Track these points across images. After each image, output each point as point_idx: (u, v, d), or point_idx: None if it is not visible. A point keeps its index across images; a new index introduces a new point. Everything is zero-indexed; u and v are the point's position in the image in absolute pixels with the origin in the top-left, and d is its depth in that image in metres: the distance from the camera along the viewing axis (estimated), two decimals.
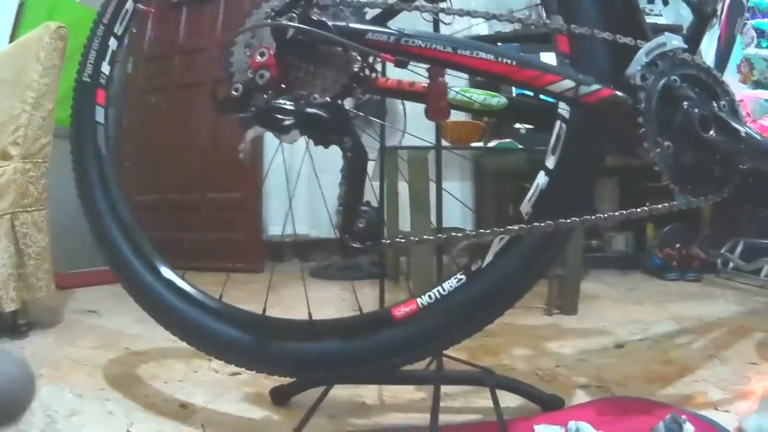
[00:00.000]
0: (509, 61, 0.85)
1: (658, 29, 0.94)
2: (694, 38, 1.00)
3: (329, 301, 2.33)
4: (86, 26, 1.23)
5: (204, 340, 1.05)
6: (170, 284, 1.09)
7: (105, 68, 1.20)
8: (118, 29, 1.22)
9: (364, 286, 2.52)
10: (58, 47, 1.83)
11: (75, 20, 2.08)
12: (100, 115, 1.18)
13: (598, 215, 0.87)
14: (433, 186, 1.24)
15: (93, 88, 1.18)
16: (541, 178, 0.93)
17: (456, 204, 2.08)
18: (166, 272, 1.10)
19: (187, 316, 1.05)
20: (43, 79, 1.80)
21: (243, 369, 1.07)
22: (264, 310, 1.03)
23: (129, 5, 1.22)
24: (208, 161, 3.32)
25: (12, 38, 2.75)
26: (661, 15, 3.25)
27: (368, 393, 1.22)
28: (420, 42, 0.83)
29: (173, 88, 3.53)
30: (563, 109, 0.95)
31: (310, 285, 2.74)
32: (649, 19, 2.43)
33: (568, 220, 0.84)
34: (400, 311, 0.92)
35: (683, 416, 0.89)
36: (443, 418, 0.96)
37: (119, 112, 3.60)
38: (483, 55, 0.84)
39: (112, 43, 1.21)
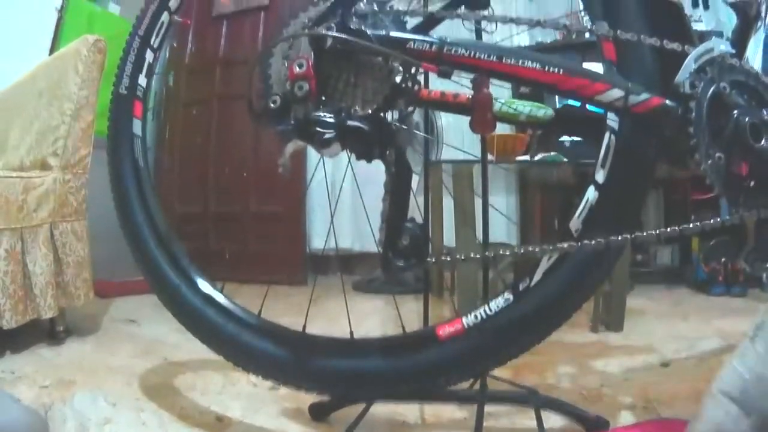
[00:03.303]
0: (557, 70, 0.82)
1: (700, 36, 0.89)
2: (740, 42, 0.95)
3: (372, 316, 2.29)
4: (125, 39, 1.23)
5: (242, 355, 1.03)
6: (207, 298, 1.07)
7: (142, 80, 1.19)
8: (155, 41, 1.21)
9: (408, 300, 2.47)
10: (97, 60, 1.86)
11: (114, 33, 2.10)
12: (137, 128, 1.17)
13: (650, 232, 0.82)
14: (477, 200, 1.20)
15: (130, 101, 1.17)
16: (591, 193, 0.88)
17: (501, 217, 2.04)
18: (204, 285, 1.08)
19: (225, 330, 1.03)
20: (82, 91, 1.83)
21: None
22: (304, 327, 1.00)
23: (164, 17, 1.21)
24: (250, 173, 3.33)
25: (52, 50, 2.79)
26: (701, 21, 3.16)
27: (409, 411, 1.19)
28: (463, 51, 0.81)
29: (215, 100, 3.54)
30: (612, 119, 0.91)
31: (353, 298, 2.71)
32: None
33: (620, 238, 0.80)
34: (445, 331, 0.89)
35: None
36: None
37: (161, 124, 3.64)
38: (529, 63, 0.81)
39: (149, 55, 1.20)
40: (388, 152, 0.79)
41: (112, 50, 1.84)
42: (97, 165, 1.82)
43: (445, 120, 1.45)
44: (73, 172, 1.81)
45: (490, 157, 1.51)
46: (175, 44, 3.63)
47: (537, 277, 0.87)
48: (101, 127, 1.43)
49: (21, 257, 1.66)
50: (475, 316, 0.88)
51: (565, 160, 2.18)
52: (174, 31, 1.25)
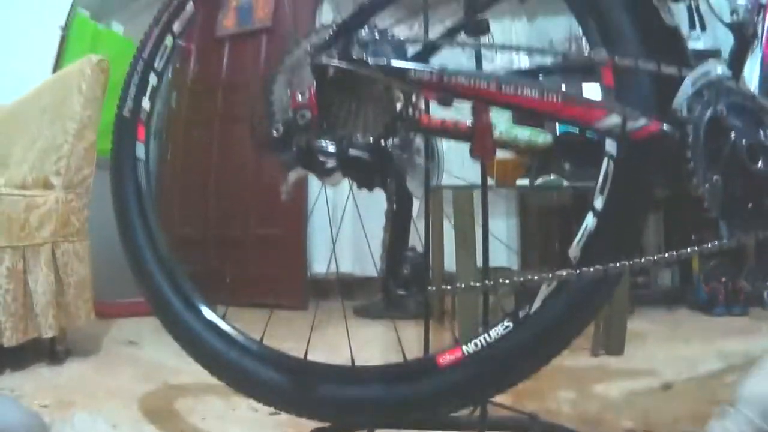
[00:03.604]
0: (555, 98, 0.82)
1: (697, 55, 0.90)
2: (736, 63, 0.96)
3: (372, 342, 2.28)
4: (129, 58, 1.22)
5: (243, 381, 1.02)
6: (210, 324, 1.06)
7: (145, 103, 1.19)
8: (158, 64, 1.21)
9: (408, 325, 2.46)
10: (100, 80, 1.88)
11: (118, 52, 2.12)
12: (140, 151, 1.17)
13: (648, 258, 0.82)
14: (478, 225, 1.20)
15: (133, 124, 1.17)
16: (590, 220, 0.89)
17: (502, 241, 2.03)
18: (206, 311, 1.08)
19: (226, 356, 1.02)
20: (86, 111, 1.84)
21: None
22: (305, 354, 1.00)
23: (168, 40, 1.20)
24: (251, 196, 3.31)
25: (55, 68, 2.81)
26: (699, 39, 3.18)
27: None
28: (464, 79, 0.81)
29: (217, 122, 3.55)
30: (610, 145, 0.91)
31: (354, 324, 2.70)
32: None
33: (618, 265, 0.80)
34: (445, 359, 0.89)
35: None
36: None
37: (163, 146, 3.64)
38: (528, 91, 0.82)
39: (152, 78, 1.20)
40: (389, 181, 0.79)
41: (116, 70, 1.86)
42: (98, 185, 1.84)
43: (446, 144, 1.45)
44: (76, 191, 1.82)
45: (490, 181, 1.52)
46: (177, 65, 3.63)
47: (536, 304, 0.87)
48: (103, 146, 1.44)
49: (23, 276, 1.67)
50: (475, 344, 0.88)
51: (566, 183, 2.19)
52: (177, 52, 1.25)
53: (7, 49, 2.63)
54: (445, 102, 0.81)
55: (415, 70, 0.82)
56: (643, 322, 2.55)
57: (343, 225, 2.90)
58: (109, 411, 1.32)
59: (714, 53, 2.61)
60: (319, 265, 3.40)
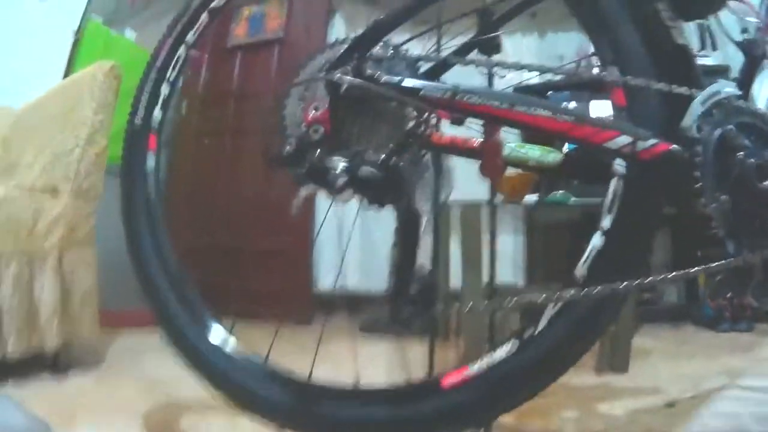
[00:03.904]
0: (566, 118, 0.83)
1: (707, 71, 0.90)
2: (746, 82, 0.96)
3: (378, 359, 2.24)
4: (141, 66, 1.24)
5: (246, 400, 1.02)
6: (215, 340, 1.06)
7: (157, 113, 1.20)
8: (171, 75, 1.21)
9: (414, 342, 2.46)
10: (112, 86, 1.88)
11: (130, 60, 2.13)
12: (151, 161, 1.18)
13: (654, 277, 0.83)
14: (485, 241, 1.20)
15: (145, 134, 1.18)
16: (597, 239, 0.88)
17: (508, 258, 2.03)
18: (214, 327, 1.08)
19: (230, 374, 1.02)
20: (97, 116, 1.84)
21: None
22: (310, 374, 1.00)
23: (181, 51, 1.21)
24: (259, 209, 3.24)
25: (67, 73, 2.81)
26: (709, 56, 3.18)
27: None
28: (476, 98, 0.82)
29: (227, 132, 3.54)
30: (619, 165, 0.91)
31: (359, 340, 2.69)
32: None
33: (625, 284, 0.80)
34: (450, 379, 0.89)
35: None
36: None
37: (171, 155, 3.63)
38: (540, 111, 0.82)
39: (165, 88, 1.21)
40: (399, 199, 0.80)
41: (127, 76, 1.87)
42: (104, 191, 1.84)
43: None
44: (84, 197, 1.82)
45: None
46: (189, 74, 3.62)
47: (542, 323, 0.87)
48: (113, 152, 1.44)
49: (28, 283, 1.66)
50: (480, 365, 0.88)
51: (573, 198, 2.18)
52: (189, 62, 1.26)
53: (19, 53, 2.64)
54: (458, 122, 0.82)
55: (427, 88, 0.83)
56: (648, 338, 2.54)
57: (350, 240, 2.89)
58: (111, 424, 1.31)
59: (723, 69, 2.62)
60: (325, 280, 3.39)
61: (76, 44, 2.94)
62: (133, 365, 1.99)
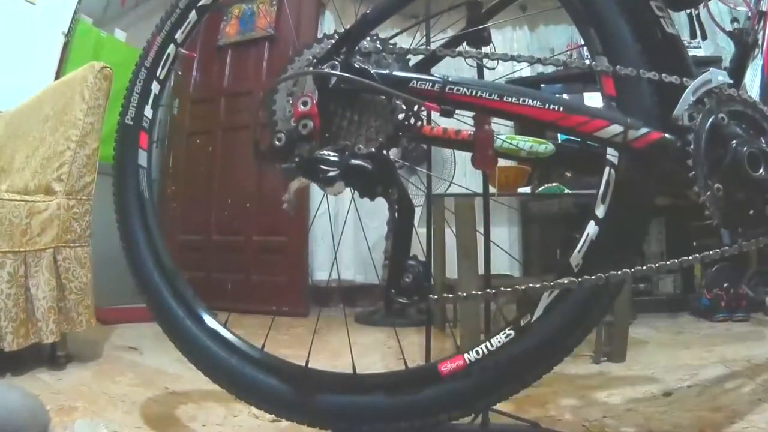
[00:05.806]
0: (557, 108, 0.83)
1: (699, 62, 0.90)
2: (737, 71, 0.96)
3: (374, 349, 2.27)
4: (132, 66, 1.23)
5: (244, 389, 1.02)
6: (210, 331, 1.07)
7: (148, 112, 1.20)
8: (161, 73, 1.21)
9: (410, 333, 2.47)
10: (103, 87, 1.88)
11: (121, 60, 2.13)
12: (142, 159, 1.18)
13: (649, 266, 0.83)
14: (479, 233, 1.20)
15: (136, 132, 1.18)
16: (591, 228, 0.89)
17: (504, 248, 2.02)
18: (207, 318, 1.08)
19: (228, 364, 1.03)
20: (88, 118, 1.84)
21: None
22: (307, 362, 1.00)
23: (171, 49, 1.21)
24: (253, 204, 3.33)
25: (58, 74, 2.82)
26: (700, 47, 3.19)
27: None
28: (465, 90, 0.82)
29: (219, 130, 3.56)
30: (611, 154, 0.91)
31: (355, 331, 2.71)
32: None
33: (620, 272, 0.80)
34: (447, 367, 0.89)
35: None
36: None
37: (165, 153, 3.66)
38: (530, 102, 0.82)
39: (155, 87, 1.21)
40: (390, 190, 0.80)
41: (118, 77, 1.86)
42: (99, 191, 1.84)
43: (447, 151, 1.45)
44: (78, 198, 1.82)
45: (491, 189, 1.52)
46: (180, 73, 3.65)
47: (538, 312, 0.88)
48: (105, 153, 1.44)
49: (24, 281, 1.68)
50: (477, 352, 0.88)
51: (567, 191, 2.19)
52: (179, 60, 1.25)
53: (10, 55, 2.64)
54: (447, 114, 0.82)
55: (416, 80, 0.83)
56: (644, 328, 2.56)
57: (345, 233, 2.91)
58: (110, 417, 1.31)
59: (715, 60, 2.62)
60: (321, 272, 3.41)
61: (66, 46, 2.93)
62: (129, 359, 2.00)
